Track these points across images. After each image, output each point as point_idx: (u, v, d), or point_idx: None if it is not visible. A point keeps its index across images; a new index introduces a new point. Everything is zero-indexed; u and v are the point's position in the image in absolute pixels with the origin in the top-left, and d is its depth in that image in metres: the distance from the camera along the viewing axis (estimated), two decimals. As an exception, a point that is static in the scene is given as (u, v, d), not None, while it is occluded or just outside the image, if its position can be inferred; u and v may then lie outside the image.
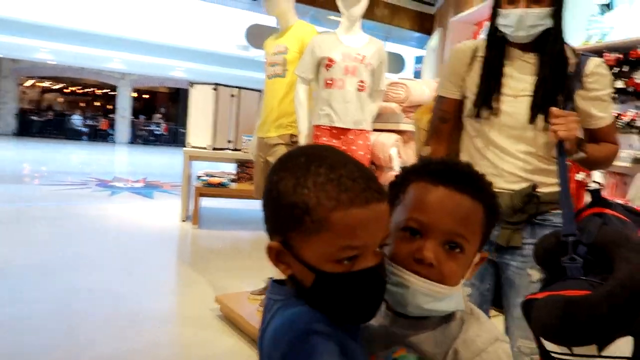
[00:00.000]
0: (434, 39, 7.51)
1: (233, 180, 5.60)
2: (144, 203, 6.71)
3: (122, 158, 15.36)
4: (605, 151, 1.35)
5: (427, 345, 0.73)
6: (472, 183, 0.74)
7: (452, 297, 0.72)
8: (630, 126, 4.31)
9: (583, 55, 1.36)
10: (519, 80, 1.34)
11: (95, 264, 3.71)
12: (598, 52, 4.63)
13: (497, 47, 1.36)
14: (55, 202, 6.25)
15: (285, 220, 0.65)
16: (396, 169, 2.50)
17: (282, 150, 2.74)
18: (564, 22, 1.33)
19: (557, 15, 1.29)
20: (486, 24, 1.44)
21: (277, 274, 0.72)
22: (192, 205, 5.43)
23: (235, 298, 2.88)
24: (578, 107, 1.32)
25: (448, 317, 0.74)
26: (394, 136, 2.53)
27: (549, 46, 1.31)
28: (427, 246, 0.70)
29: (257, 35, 8.73)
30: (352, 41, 2.47)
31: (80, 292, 3.05)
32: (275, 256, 0.68)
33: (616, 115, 4.41)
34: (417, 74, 9.33)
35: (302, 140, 2.58)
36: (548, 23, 1.28)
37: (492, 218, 0.76)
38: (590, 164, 1.38)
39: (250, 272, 3.64)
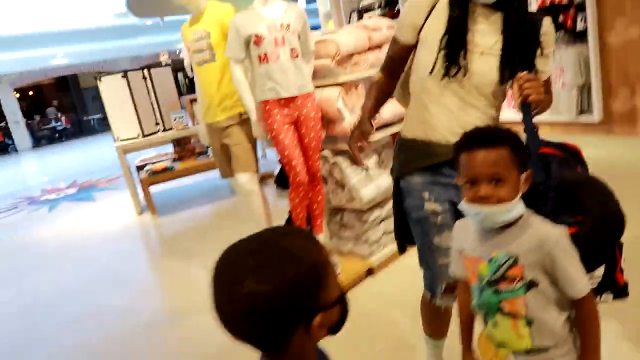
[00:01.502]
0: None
1: (175, 160, 5.58)
2: (90, 208, 6.51)
3: (35, 166, 14.20)
4: (546, 105, 1.47)
5: (513, 245, 1.09)
6: (492, 138, 1.09)
7: (513, 208, 1.08)
8: (522, 10, 4.70)
9: (536, 14, 1.44)
10: (485, 37, 1.39)
11: (80, 290, 3.65)
12: None
13: (462, 6, 1.40)
14: (-5, 236, 5.94)
15: (308, 290, 0.70)
16: (346, 119, 2.70)
17: (236, 130, 2.85)
18: None
19: None
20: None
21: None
22: (141, 197, 5.40)
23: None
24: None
25: (520, 226, 1.10)
26: (337, 89, 2.69)
27: (516, 5, 1.36)
28: (480, 188, 1.07)
29: (138, 4, 8.22)
30: (272, 12, 2.55)
31: (93, 317, 3.11)
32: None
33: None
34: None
35: (253, 116, 2.69)
36: None
37: (519, 150, 1.09)
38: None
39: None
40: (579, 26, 4.27)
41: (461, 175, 1.12)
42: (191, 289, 3.21)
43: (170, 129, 5.58)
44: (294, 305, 0.69)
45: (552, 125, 4.61)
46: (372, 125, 1.69)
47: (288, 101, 2.58)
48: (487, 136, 1.10)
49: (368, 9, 6.96)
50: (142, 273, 3.84)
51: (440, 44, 1.43)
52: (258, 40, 2.50)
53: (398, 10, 6.38)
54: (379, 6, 6.72)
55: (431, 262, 1.57)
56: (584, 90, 4.47)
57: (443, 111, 1.48)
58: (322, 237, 2.91)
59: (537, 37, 1.41)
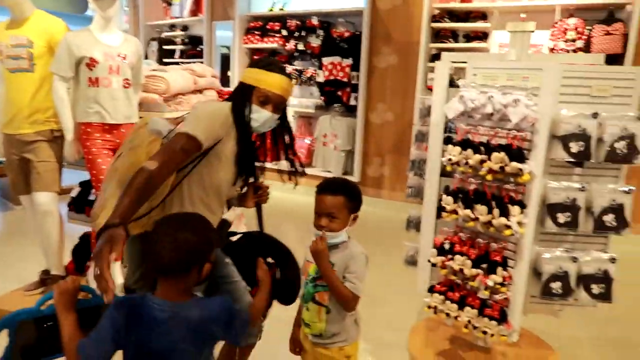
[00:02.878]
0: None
1: None
2: None
3: None
4: None
5: (334, 257, 1.62)
6: (336, 188, 1.62)
7: (339, 236, 1.63)
8: (310, 80, 5.60)
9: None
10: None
11: None
12: (281, 18, 5.66)
13: (247, 132, 1.70)
14: None
15: (210, 248, 1.34)
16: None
17: (43, 146, 2.71)
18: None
19: (283, 119, 1.81)
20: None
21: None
22: None
23: (10, 300, 2.80)
24: None
25: (342, 247, 1.65)
26: (161, 124, 2.85)
27: (277, 138, 1.84)
28: (321, 220, 1.62)
29: None
30: (110, 40, 2.61)
31: None
32: None
33: (300, 70, 5.62)
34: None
35: (69, 136, 2.63)
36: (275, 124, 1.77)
37: (353, 199, 1.63)
38: None
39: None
40: (352, 102, 5.32)
41: (315, 208, 1.66)
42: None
43: None
44: (204, 253, 1.29)
45: (321, 179, 5.50)
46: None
47: (112, 128, 2.63)
48: (332, 186, 1.65)
49: (170, 41, 7.09)
50: None
51: (236, 163, 1.70)
52: (92, 63, 2.52)
53: (201, 50, 6.69)
54: (182, 42, 6.93)
55: None
56: (350, 154, 5.52)
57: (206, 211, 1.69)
58: (117, 264, 2.91)
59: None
